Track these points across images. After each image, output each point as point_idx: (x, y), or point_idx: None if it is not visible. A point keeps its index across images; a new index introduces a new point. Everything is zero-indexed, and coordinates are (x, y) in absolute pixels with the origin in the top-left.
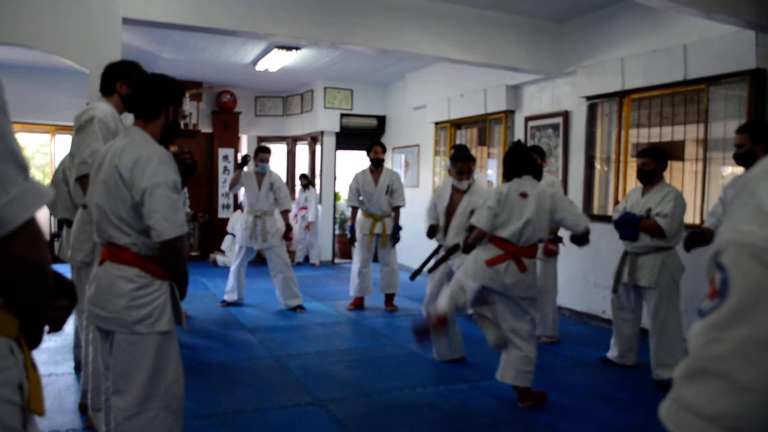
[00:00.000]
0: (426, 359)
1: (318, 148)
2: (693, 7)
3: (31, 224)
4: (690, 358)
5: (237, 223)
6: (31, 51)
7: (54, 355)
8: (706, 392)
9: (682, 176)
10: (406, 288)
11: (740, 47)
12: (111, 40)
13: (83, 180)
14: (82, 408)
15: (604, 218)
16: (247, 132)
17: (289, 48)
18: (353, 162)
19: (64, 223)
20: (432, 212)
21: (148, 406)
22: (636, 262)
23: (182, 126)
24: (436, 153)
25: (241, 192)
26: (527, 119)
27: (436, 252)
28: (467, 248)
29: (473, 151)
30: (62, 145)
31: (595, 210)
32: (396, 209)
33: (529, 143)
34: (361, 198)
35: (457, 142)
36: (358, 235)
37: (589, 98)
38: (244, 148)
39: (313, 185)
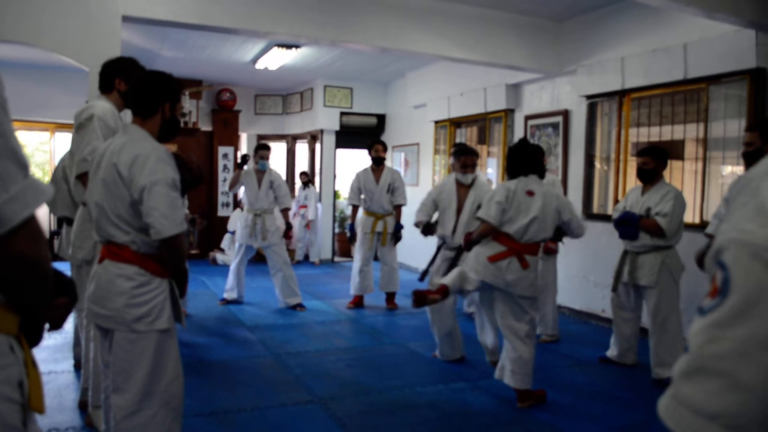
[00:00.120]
0: (426, 358)
1: (318, 146)
2: (693, 6)
3: (31, 222)
4: (689, 355)
5: (237, 222)
6: (31, 49)
7: (53, 353)
8: (706, 390)
9: (681, 175)
10: (406, 286)
11: (740, 46)
12: (111, 38)
13: (84, 178)
14: (82, 406)
15: (604, 217)
16: (246, 130)
17: (289, 46)
18: (353, 160)
19: (63, 221)
20: (427, 208)
21: (148, 404)
22: (636, 262)
23: (182, 124)
24: (436, 152)
25: (241, 190)
26: (527, 118)
27: (439, 250)
28: (470, 245)
29: None
30: (62, 143)
31: (595, 209)
32: (397, 208)
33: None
34: (362, 196)
35: (457, 140)
36: (359, 233)
37: (589, 97)
38: (244, 147)
39: (313, 183)
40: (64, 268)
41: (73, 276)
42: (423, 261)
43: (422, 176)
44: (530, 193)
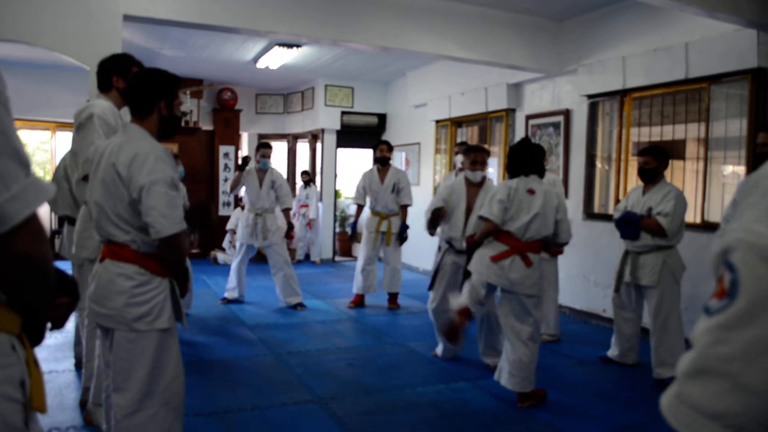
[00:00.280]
0: (426, 358)
1: (318, 145)
2: (694, 5)
3: (33, 221)
4: (694, 355)
5: (238, 221)
6: (31, 48)
7: (54, 352)
8: (710, 390)
9: (683, 175)
10: (408, 286)
11: (742, 46)
12: (111, 37)
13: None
14: (83, 405)
15: (605, 217)
16: (247, 129)
17: (290, 45)
18: (354, 160)
19: (65, 219)
20: (439, 203)
21: (148, 404)
22: (637, 262)
23: (183, 123)
24: (437, 151)
25: (242, 190)
26: (528, 117)
27: (443, 255)
28: (473, 246)
29: None
30: (63, 142)
31: (596, 209)
32: (403, 208)
33: None
34: (368, 197)
35: (458, 140)
36: (364, 232)
37: (590, 97)
38: (245, 146)
39: (314, 183)
40: (65, 267)
41: (74, 275)
42: (426, 261)
43: (423, 176)
44: (531, 192)
